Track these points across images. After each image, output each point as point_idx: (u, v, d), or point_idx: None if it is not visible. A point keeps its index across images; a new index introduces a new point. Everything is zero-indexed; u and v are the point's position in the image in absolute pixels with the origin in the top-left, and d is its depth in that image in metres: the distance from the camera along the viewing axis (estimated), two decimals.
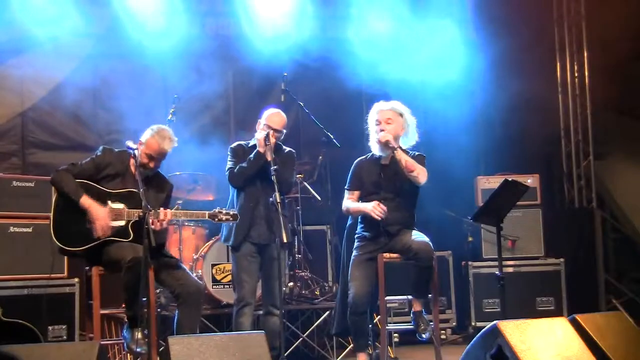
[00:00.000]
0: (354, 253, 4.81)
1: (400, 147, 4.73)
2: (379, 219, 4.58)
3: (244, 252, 4.78)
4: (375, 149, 4.77)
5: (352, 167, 4.91)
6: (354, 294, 4.66)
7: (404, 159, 4.62)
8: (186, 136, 6.92)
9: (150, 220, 4.12)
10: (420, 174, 4.66)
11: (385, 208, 4.58)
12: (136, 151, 4.34)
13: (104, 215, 4.25)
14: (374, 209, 4.58)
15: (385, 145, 4.66)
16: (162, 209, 4.36)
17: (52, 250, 4.47)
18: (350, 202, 4.84)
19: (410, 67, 7.22)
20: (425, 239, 4.65)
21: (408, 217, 4.80)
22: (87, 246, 4.26)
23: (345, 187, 4.92)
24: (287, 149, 5.02)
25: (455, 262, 6.68)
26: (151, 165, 4.45)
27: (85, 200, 4.24)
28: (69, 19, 6.69)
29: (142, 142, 4.46)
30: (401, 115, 4.77)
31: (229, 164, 4.87)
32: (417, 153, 4.83)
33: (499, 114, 7.72)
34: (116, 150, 4.55)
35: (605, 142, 7.98)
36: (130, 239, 4.28)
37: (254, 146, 4.81)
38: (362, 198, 4.80)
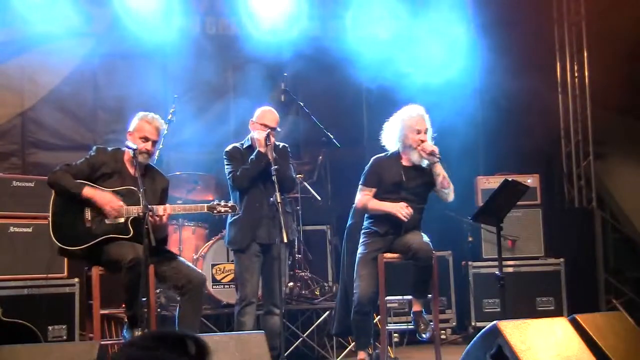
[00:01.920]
0: (361, 249, 4.79)
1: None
2: (405, 220, 4.57)
3: (249, 252, 4.79)
4: (415, 157, 4.72)
5: (370, 164, 4.87)
6: (360, 293, 4.66)
7: (442, 174, 4.65)
8: (186, 136, 6.94)
9: (149, 215, 4.13)
10: (451, 192, 4.72)
11: (411, 211, 4.58)
12: (136, 151, 4.33)
13: (111, 198, 4.25)
14: (401, 209, 4.56)
15: (430, 155, 4.64)
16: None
17: (51, 250, 4.47)
18: (367, 198, 4.77)
19: (410, 67, 7.22)
20: (425, 238, 4.65)
21: (419, 219, 4.82)
22: (86, 245, 4.25)
23: (361, 182, 4.85)
24: (280, 144, 5.02)
25: (455, 262, 6.67)
26: (148, 147, 4.43)
27: (88, 191, 4.24)
28: (69, 19, 6.70)
29: (132, 131, 4.46)
30: (427, 120, 4.82)
31: (229, 168, 4.86)
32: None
33: (499, 114, 7.71)
34: (109, 149, 4.54)
35: (605, 142, 7.97)
36: (130, 235, 4.28)
37: (250, 147, 4.81)
38: (379, 197, 4.77)
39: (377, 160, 4.88)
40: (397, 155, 4.82)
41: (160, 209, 4.29)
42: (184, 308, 4.39)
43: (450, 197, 4.74)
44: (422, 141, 4.69)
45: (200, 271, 4.68)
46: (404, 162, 4.78)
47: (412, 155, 4.73)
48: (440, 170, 4.65)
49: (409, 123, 4.74)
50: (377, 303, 4.81)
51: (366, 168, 4.88)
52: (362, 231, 4.86)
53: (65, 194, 4.26)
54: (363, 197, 4.81)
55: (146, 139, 4.41)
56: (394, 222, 4.66)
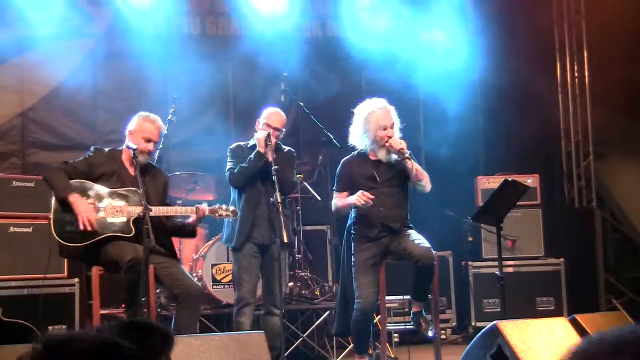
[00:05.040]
0: (357, 256, 4.64)
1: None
2: (360, 204, 4.41)
3: (246, 252, 4.79)
4: (383, 154, 4.61)
5: (339, 168, 4.78)
6: (364, 302, 4.54)
7: (415, 168, 4.52)
8: (186, 136, 6.94)
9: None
10: (428, 183, 4.61)
11: (371, 196, 4.43)
12: (137, 151, 4.33)
13: (88, 209, 4.22)
14: (359, 198, 4.42)
15: (399, 152, 4.51)
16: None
17: (51, 250, 4.47)
18: (337, 199, 4.71)
19: (410, 67, 7.22)
20: (427, 244, 4.53)
21: (405, 212, 4.72)
22: (86, 243, 4.23)
23: (333, 188, 4.80)
24: (287, 148, 5.02)
25: (455, 262, 6.66)
26: (150, 148, 4.43)
27: (72, 197, 4.22)
28: (69, 19, 6.70)
29: (133, 131, 4.45)
30: (393, 112, 4.68)
31: (229, 165, 4.86)
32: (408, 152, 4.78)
33: (499, 114, 7.72)
34: (106, 149, 4.54)
35: (605, 142, 7.97)
36: (131, 234, 4.28)
37: (254, 146, 4.81)
38: None
39: (346, 162, 4.78)
40: (365, 153, 4.70)
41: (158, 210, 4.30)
42: (178, 317, 4.37)
43: (428, 187, 4.62)
44: (389, 137, 4.55)
45: (197, 283, 4.68)
46: (373, 158, 4.67)
47: (379, 152, 4.60)
48: (412, 165, 4.51)
49: (373, 119, 4.58)
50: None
51: (337, 172, 4.79)
52: (352, 235, 4.71)
53: (53, 193, 4.26)
54: (334, 200, 4.75)
55: (148, 140, 4.41)
56: (380, 223, 4.58)
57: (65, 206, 4.26)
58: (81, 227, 4.17)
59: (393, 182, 4.66)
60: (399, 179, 4.66)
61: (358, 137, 4.70)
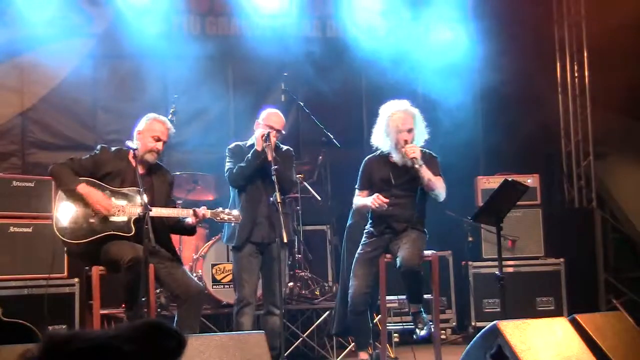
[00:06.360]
0: (359, 249, 4.79)
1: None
2: (374, 207, 4.53)
3: (246, 252, 4.79)
4: (399, 158, 4.67)
5: (362, 166, 4.88)
6: (354, 292, 4.67)
7: (427, 177, 4.57)
8: (186, 136, 6.94)
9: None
10: (442, 192, 4.66)
11: (386, 200, 4.53)
12: (136, 151, 4.34)
13: (102, 197, 4.25)
14: (374, 201, 4.54)
15: (411, 160, 4.56)
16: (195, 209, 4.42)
17: (53, 250, 4.47)
18: (358, 198, 4.84)
19: (411, 67, 7.22)
20: (415, 250, 4.55)
21: (417, 215, 4.74)
22: (86, 240, 4.23)
23: (356, 186, 4.90)
24: (285, 147, 5.02)
25: (455, 262, 6.67)
26: (159, 147, 4.46)
27: (82, 188, 4.23)
28: (69, 19, 6.70)
29: (142, 131, 4.47)
30: (414, 117, 4.72)
31: (228, 165, 4.86)
32: (431, 153, 4.79)
33: (499, 114, 7.72)
34: (113, 148, 4.55)
35: (605, 142, 7.97)
36: (131, 233, 4.28)
37: (252, 145, 4.81)
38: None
39: (368, 161, 4.88)
40: (386, 154, 4.78)
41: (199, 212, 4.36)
42: (179, 317, 4.37)
43: (441, 197, 4.70)
44: (406, 142, 4.60)
45: (199, 283, 4.67)
46: (393, 159, 4.75)
47: (395, 155, 4.68)
48: (424, 174, 4.57)
49: (392, 121, 4.66)
50: (372, 303, 4.81)
51: (360, 169, 4.89)
52: (364, 231, 4.86)
53: (61, 187, 4.27)
54: (355, 198, 4.87)
55: (158, 139, 4.44)
56: (386, 222, 4.67)
57: (69, 202, 4.26)
58: (103, 214, 4.21)
59: (407, 186, 4.72)
60: (414, 183, 4.70)
61: (381, 138, 4.77)
